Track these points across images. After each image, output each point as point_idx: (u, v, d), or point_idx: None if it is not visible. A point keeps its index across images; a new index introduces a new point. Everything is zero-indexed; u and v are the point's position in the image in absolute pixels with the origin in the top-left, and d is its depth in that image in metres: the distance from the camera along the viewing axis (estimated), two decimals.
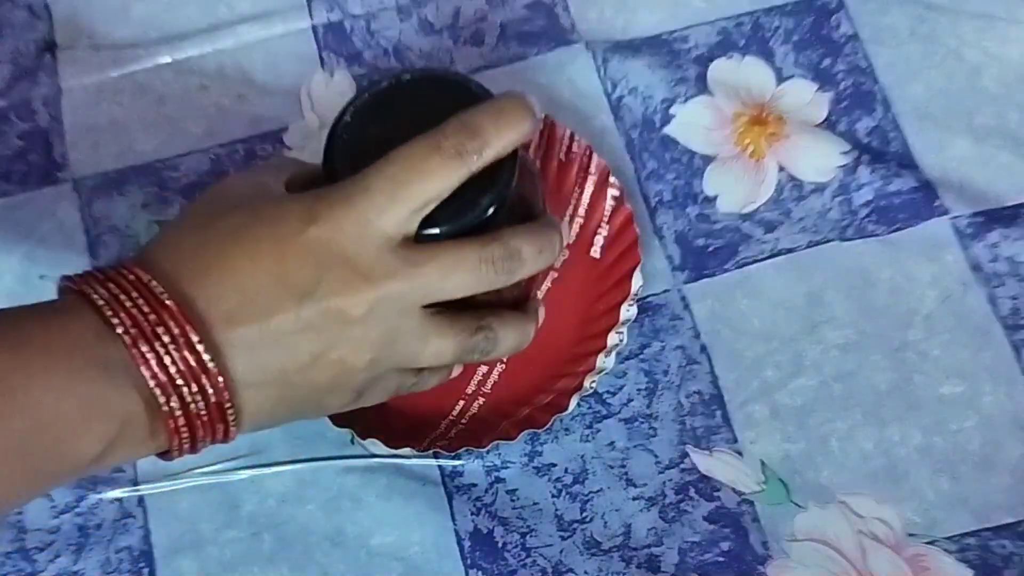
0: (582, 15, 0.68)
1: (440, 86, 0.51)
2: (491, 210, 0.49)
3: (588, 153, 0.61)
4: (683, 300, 0.61)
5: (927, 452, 0.57)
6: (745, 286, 0.61)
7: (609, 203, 0.61)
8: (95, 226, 0.64)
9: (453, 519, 0.57)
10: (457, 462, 0.58)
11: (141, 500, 0.58)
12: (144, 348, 0.43)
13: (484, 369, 0.59)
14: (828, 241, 0.62)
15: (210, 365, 0.44)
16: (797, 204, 0.62)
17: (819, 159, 0.63)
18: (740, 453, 0.58)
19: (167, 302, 0.44)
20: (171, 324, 0.44)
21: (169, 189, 0.64)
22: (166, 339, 0.44)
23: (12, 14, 0.69)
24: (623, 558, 0.56)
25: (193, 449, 0.46)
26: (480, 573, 0.56)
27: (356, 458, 0.58)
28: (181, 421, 0.44)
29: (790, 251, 0.61)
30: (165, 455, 0.46)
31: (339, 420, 0.56)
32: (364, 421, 0.57)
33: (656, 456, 0.58)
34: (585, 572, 0.56)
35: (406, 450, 0.57)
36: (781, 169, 0.63)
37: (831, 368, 0.59)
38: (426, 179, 0.47)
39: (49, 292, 0.62)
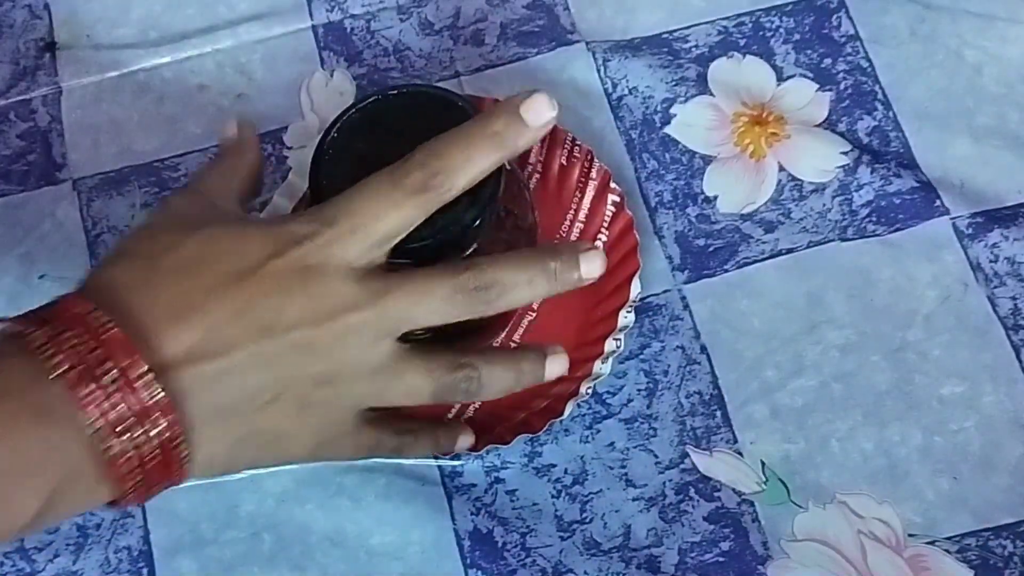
0: (582, 15, 0.68)
1: (428, 102, 0.51)
2: (474, 225, 0.48)
3: (589, 158, 0.61)
4: (683, 300, 0.61)
5: (927, 452, 0.57)
6: (745, 286, 0.61)
7: (609, 209, 0.61)
8: (95, 226, 0.64)
9: (453, 519, 0.57)
10: (456, 462, 0.58)
11: None
12: (87, 387, 0.40)
13: None
14: (828, 241, 0.62)
15: (160, 400, 0.41)
16: (797, 204, 0.62)
17: (819, 159, 0.63)
18: (740, 453, 0.58)
19: (112, 331, 0.41)
20: (117, 358, 0.41)
21: (169, 189, 0.64)
22: (112, 376, 0.41)
23: (12, 14, 0.69)
24: (623, 559, 0.56)
25: (146, 495, 0.43)
26: (480, 573, 0.56)
27: (355, 458, 0.58)
28: (134, 463, 0.42)
29: (790, 251, 0.61)
30: (115, 504, 0.44)
31: None
32: None
33: (656, 456, 0.58)
34: (585, 572, 0.56)
35: None
36: (781, 169, 0.63)
37: (831, 368, 0.59)
38: (389, 214, 0.45)
39: (48, 292, 0.62)
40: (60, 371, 0.40)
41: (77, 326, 0.41)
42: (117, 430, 0.41)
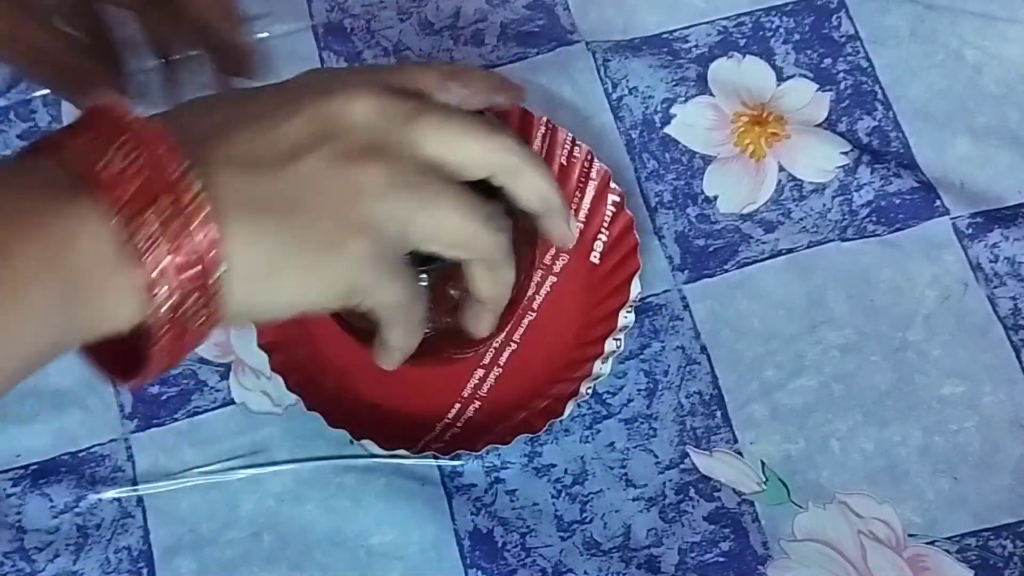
0: (582, 15, 0.68)
1: None
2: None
3: (589, 158, 0.61)
4: (683, 300, 0.61)
5: (927, 452, 0.57)
6: (745, 286, 0.61)
7: (609, 209, 0.61)
8: None
9: (453, 519, 0.57)
10: (456, 462, 0.58)
11: (140, 500, 0.58)
12: (105, 157, 0.36)
13: (481, 372, 0.59)
14: (828, 241, 0.62)
15: (194, 188, 0.36)
16: (797, 204, 0.62)
17: (819, 159, 0.63)
18: (740, 453, 0.58)
19: (144, 124, 0.37)
20: (149, 143, 0.36)
21: None
22: (133, 154, 0.36)
23: None
24: (623, 559, 0.56)
25: (177, 337, 0.37)
26: (480, 573, 0.56)
27: (355, 458, 0.58)
28: (162, 255, 0.36)
29: (790, 251, 0.61)
30: (141, 352, 0.38)
31: (334, 421, 0.56)
32: (358, 422, 0.57)
33: (656, 456, 0.58)
34: (585, 572, 0.56)
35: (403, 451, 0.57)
36: (781, 169, 0.63)
37: (831, 368, 0.59)
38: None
39: None
40: (84, 155, 0.36)
41: (105, 121, 0.37)
42: (145, 214, 0.36)
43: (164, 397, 0.60)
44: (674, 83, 0.65)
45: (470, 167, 0.43)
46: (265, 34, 0.68)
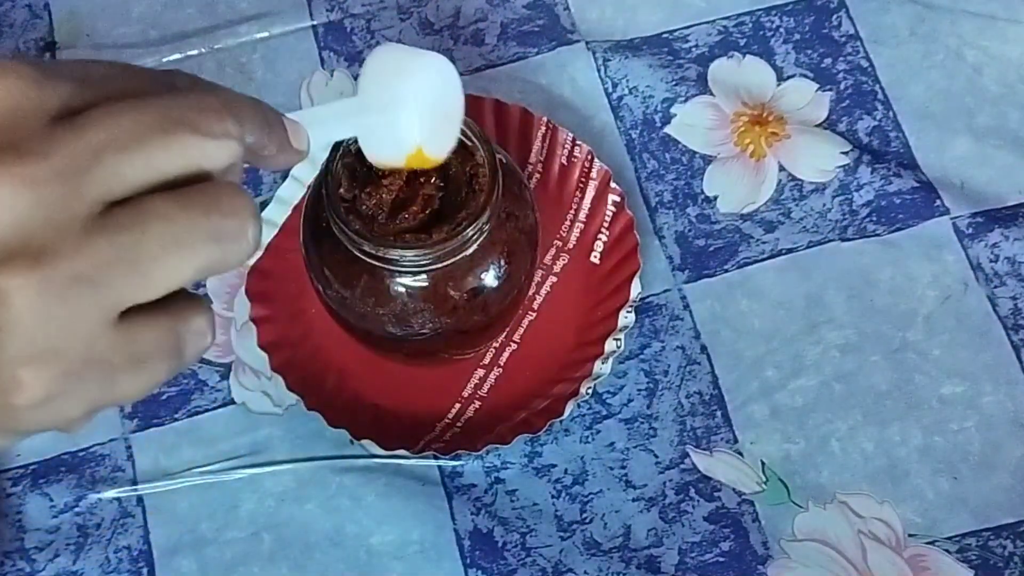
0: (582, 15, 0.68)
1: None
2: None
3: (590, 158, 0.61)
4: (683, 300, 0.61)
5: (927, 452, 0.57)
6: (745, 286, 0.61)
7: (610, 208, 0.61)
8: None
9: (453, 519, 0.57)
10: (457, 462, 0.58)
11: (140, 500, 0.58)
12: None
13: (481, 372, 0.59)
14: (828, 241, 0.62)
15: None
16: (797, 204, 0.62)
17: (819, 159, 0.63)
18: (740, 453, 0.58)
19: None
20: None
21: None
22: None
23: (12, 14, 0.69)
24: (623, 559, 0.56)
25: None
26: (480, 573, 0.56)
27: (355, 458, 0.58)
28: None
29: (790, 251, 0.61)
30: None
31: (334, 421, 0.56)
32: (358, 422, 0.57)
33: (656, 456, 0.58)
34: (585, 572, 0.56)
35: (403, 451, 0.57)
36: (781, 169, 0.63)
37: (831, 368, 0.59)
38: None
39: None
40: None
41: None
42: None
43: (164, 397, 0.60)
44: (674, 83, 0.65)
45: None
46: (265, 34, 0.68)
